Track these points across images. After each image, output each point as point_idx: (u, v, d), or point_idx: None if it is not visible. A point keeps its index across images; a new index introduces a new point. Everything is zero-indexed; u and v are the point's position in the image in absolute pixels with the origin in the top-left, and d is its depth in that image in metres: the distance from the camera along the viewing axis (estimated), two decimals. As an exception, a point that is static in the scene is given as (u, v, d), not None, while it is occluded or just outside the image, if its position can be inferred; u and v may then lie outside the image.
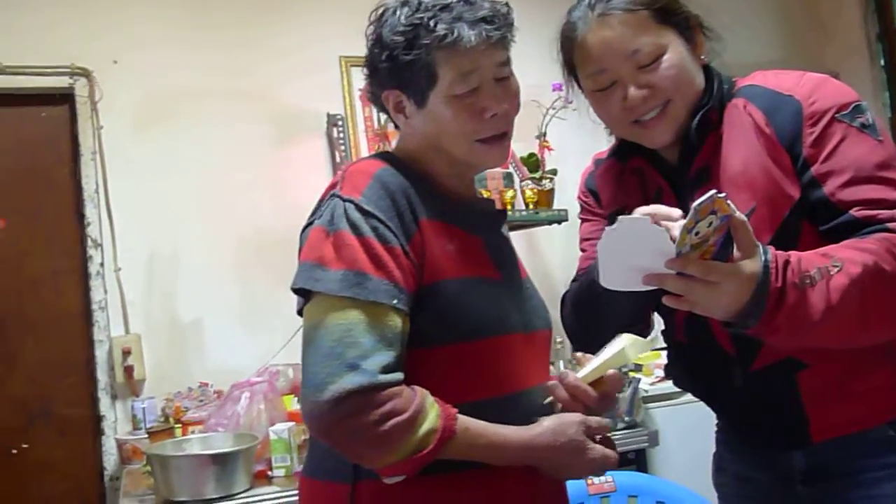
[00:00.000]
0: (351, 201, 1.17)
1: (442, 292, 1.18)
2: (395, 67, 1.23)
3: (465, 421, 1.14)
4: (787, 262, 1.13)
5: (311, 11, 3.23)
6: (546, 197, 3.20)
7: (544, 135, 3.22)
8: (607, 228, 1.14)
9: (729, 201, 1.09)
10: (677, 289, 1.12)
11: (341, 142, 3.18)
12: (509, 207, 3.09)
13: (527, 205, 3.19)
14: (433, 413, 1.11)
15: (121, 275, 2.94)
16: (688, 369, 1.50)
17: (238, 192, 3.07)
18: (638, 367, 3.06)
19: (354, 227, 1.15)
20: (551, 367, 2.95)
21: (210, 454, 2.20)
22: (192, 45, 3.07)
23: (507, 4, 1.28)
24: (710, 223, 1.09)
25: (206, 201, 3.04)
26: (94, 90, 2.96)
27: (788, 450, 1.37)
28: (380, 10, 1.28)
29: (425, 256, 1.18)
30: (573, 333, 1.49)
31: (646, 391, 2.89)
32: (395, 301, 1.12)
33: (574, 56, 1.37)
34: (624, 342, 1.22)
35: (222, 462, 2.17)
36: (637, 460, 2.73)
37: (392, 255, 1.14)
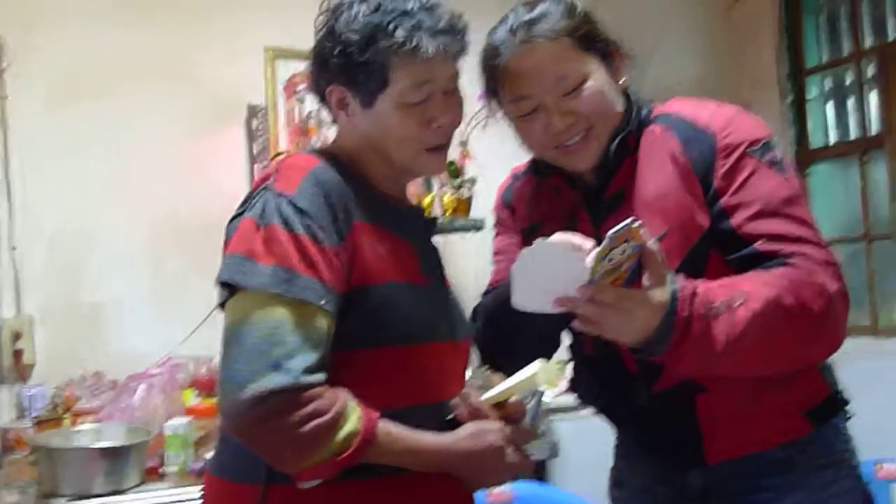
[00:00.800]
0: (284, 196, 1.14)
1: (371, 295, 1.16)
2: (347, 64, 1.21)
3: (385, 425, 1.12)
4: (694, 293, 1.18)
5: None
6: (464, 205, 3.21)
7: (466, 143, 3.22)
8: (523, 250, 1.17)
9: (643, 230, 1.12)
10: (590, 314, 1.16)
11: (261, 133, 3.12)
12: (426, 213, 3.08)
13: (444, 212, 3.19)
14: (354, 416, 1.09)
15: (16, 254, 2.80)
16: (593, 384, 1.52)
17: (152, 176, 2.97)
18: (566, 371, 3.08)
19: (287, 222, 1.12)
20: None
21: (99, 447, 2.11)
22: (117, 22, 2.95)
23: (460, 17, 1.27)
24: (624, 251, 1.12)
25: (118, 182, 2.92)
26: (2, 58, 2.81)
27: (686, 469, 1.41)
28: (334, 2, 1.25)
29: (356, 258, 1.16)
30: (484, 347, 1.48)
31: (548, 403, 2.92)
32: (322, 301, 1.10)
33: (496, 81, 1.38)
34: (535, 368, 1.22)
35: (112, 456, 2.08)
36: (536, 471, 2.75)
37: (323, 254, 1.12)
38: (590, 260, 1.13)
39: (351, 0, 1.23)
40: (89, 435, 2.23)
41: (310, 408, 1.06)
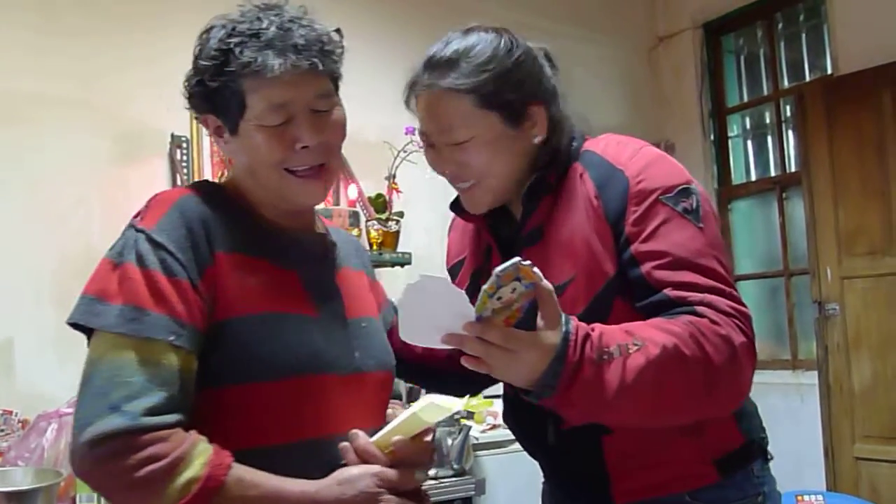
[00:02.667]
0: (143, 231, 1.11)
1: (234, 329, 1.12)
2: (206, 93, 1.19)
3: (239, 471, 1.06)
4: (587, 336, 1.15)
5: (164, 29, 3.10)
6: (391, 239, 3.19)
7: (394, 176, 3.22)
8: (408, 284, 1.14)
9: (535, 269, 1.10)
10: (476, 352, 1.13)
11: (184, 164, 3.05)
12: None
13: (371, 245, 3.17)
14: (199, 460, 1.04)
15: (-81, 287, 2.66)
16: (511, 420, 1.51)
17: (67, 208, 2.86)
18: (469, 415, 3.07)
19: (140, 259, 1.09)
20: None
21: (5, 491, 2.00)
22: (35, 47, 2.86)
23: (334, 32, 1.23)
24: (514, 289, 1.10)
25: (33, 214, 2.80)
26: None
27: None
28: (204, 30, 1.22)
29: (218, 291, 1.12)
30: (414, 382, 1.48)
31: (476, 438, 2.90)
32: (172, 337, 1.06)
33: (410, 106, 1.40)
34: (419, 405, 1.16)
35: (19, 500, 1.97)
36: (464, 508, 2.73)
37: (178, 288, 1.08)
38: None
39: (211, 26, 1.21)
40: (-5, 478, 2.11)
41: (147, 452, 1.01)
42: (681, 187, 1.28)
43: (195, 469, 1.03)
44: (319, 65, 1.18)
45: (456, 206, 1.46)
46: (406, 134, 2.97)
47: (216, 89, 1.17)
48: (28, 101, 2.83)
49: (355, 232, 3.09)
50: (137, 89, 3.02)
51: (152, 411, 1.03)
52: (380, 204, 3.22)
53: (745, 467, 1.36)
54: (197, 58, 1.20)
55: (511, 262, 1.07)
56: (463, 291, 1.12)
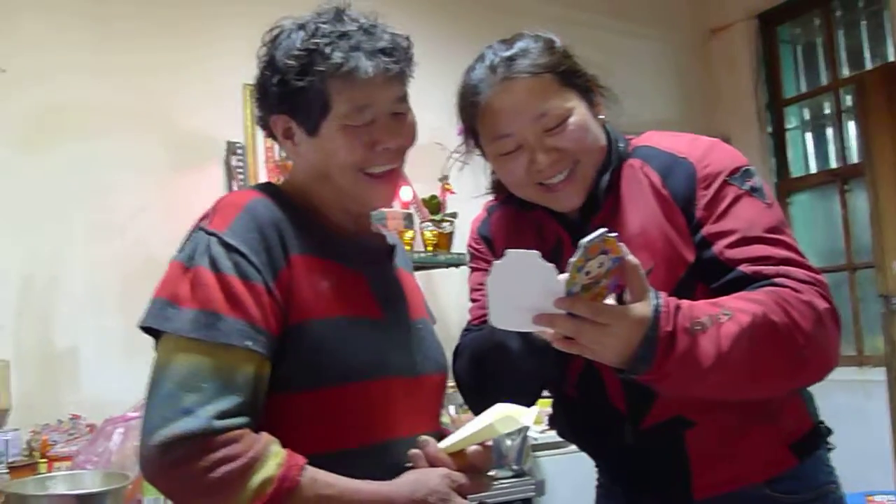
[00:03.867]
0: (215, 234, 1.11)
1: (309, 333, 1.12)
2: (287, 92, 1.18)
3: (312, 472, 1.06)
4: (678, 307, 1.14)
5: (217, 36, 3.16)
6: (445, 239, 3.20)
7: (447, 178, 3.22)
8: (495, 262, 1.11)
9: (621, 243, 1.08)
10: (567, 330, 1.11)
11: (240, 171, 3.10)
12: (408, 248, 3.06)
13: (426, 246, 3.17)
14: (274, 461, 1.04)
15: (-10, 297, 2.75)
16: (575, 423, 1.49)
17: (128, 218, 2.94)
18: (534, 414, 3.05)
19: (214, 263, 1.09)
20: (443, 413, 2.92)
21: (75, 494, 2.05)
22: (90, 59, 2.94)
23: (407, 38, 1.25)
24: (602, 263, 1.07)
25: (94, 225, 2.89)
26: (-23, 98, 2.79)
27: None
28: (274, 32, 1.23)
29: (293, 294, 1.12)
30: (466, 388, 1.44)
31: (535, 439, 2.88)
32: (248, 342, 1.06)
33: (476, 120, 1.34)
34: (493, 416, 1.16)
35: (88, 503, 2.02)
36: (523, 509, 2.71)
37: (252, 292, 1.08)
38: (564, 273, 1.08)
39: (290, 28, 1.21)
40: (65, 481, 2.16)
41: (220, 453, 1.01)
42: (744, 168, 1.31)
43: (270, 469, 1.03)
44: (405, 70, 1.22)
45: (521, 202, 1.43)
46: (459, 135, 2.96)
47: (300, 89, 1.17)
48: (85, 114, 2.91)
49: (409, 234, 3.11)
50: (191, 97, 3.09)
51: (224, 414, 1.03)
52: (433, 205, 3.23)
53: (816, 452, 1.36)
54: (273, 57, 1.20)
55: (598, 234, 1.04)
56: (554, 265, 1.08)
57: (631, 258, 1.11)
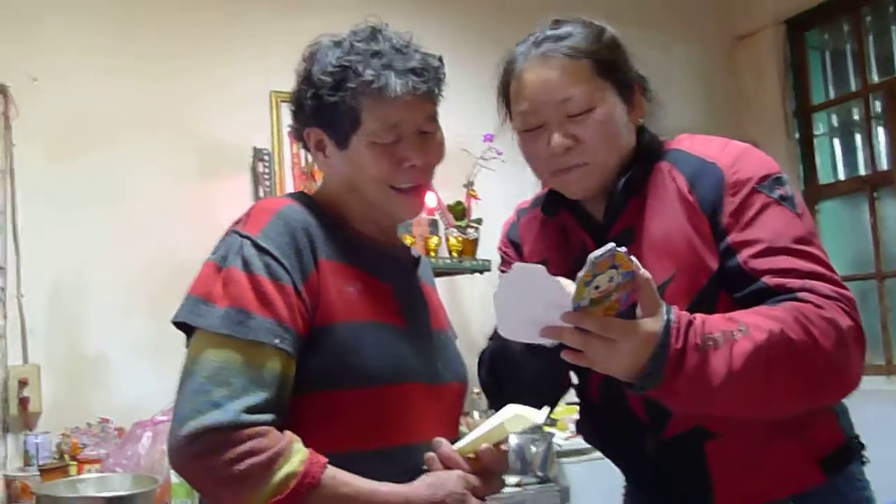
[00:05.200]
0: (248, 237, 1.15)
1: (334, 335, 1.15)
2: (320, 107, 1.23)
3: (333, 471, 1.09)
4: (689, 323, 1.12)
5: (244, 44, 3.19)
6: (470, 246, 3.21)
7: (472, 184, 3.23)
8: (502, 275, 1.12)
9: (632, 257, 1.07)
10: (574, 343, 1.10)
11: (266, 177, 3.12)
12: (433, 255, 3.07)
13: (450, 252, 3.18)
14: (297, 458, 1.07)
15: (23, 301, 2.79)
16: (599, 430, 1.48)
17: (155, 224, 2.97)
18: (552, 422, 3.05)
19: (246, 263, 1.12)
20: (467, 419, 2.93)
21: (105, 497, 2.08)
22: (118, 67, 2.98)
23: (439, 59, 1.28)
24: (612, 278, 1.06)
25: (121, 231, 2.92)
26: (10, 107, 2.84)
27: None
28: (313, 48, 1.28)
29: (320, 297, 1.16)
30: (489, 392, 1.45)
31: (559, 446, 2.88)
32: (276, 340, 1.10)
33: (510, 90, 1.36)
34: (504, 416, 1.18)
35: (118, 505, 2.05)
36: (548, 517, 2.71)
37: (282, 292, 1.12)
38: (572, 284, 1.07)
39: (327, 45, 1.26)
40: (95, 483, 2.19)
41: (246, 446, 1.04)
42: (774, 176, 1.28)
43: (293, 465, 1.06)
44: (435, 89, 1.25)
45: (547, 205, 1.44)
46: (484, 142, 2.98)
47: (332, 104, 1.21)
48: (112, 121, 2.96)
49: (434, 240, 3.12)
50: (218, 104, 3.12)
51: (252, 410, 1.06)
52: (458, 211, 3.24)
53: (847, 468, 1.32)
54: (310, 72, 1.25)
55: (607, 249, 1.04)
56: (559, 279, 1.09)
57: (643, 272, 1.09)
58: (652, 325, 1.10)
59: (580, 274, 1.05)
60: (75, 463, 2.50)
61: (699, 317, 1.14)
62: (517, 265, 1.10)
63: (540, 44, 1.32)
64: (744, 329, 1.12)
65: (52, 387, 2.78)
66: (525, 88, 1.32)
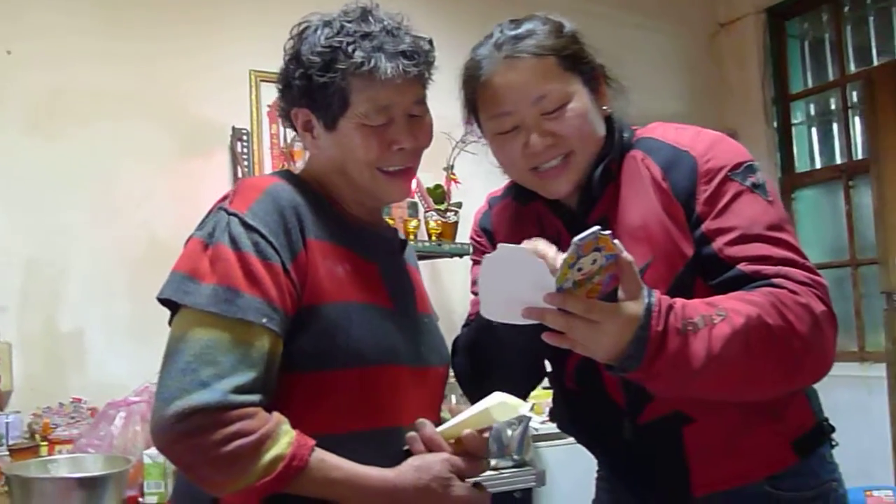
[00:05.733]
0: (236, 215, 1.13)
1: (323, 315, 1.14)
2: (309, 87, 1.22)
3: (321, 454, 1.08)
4: (670, 307, 1.13)
5: (225, 22, 3.15)
6: (450, 229, 3.20)
7: (452, 167, 3.22)
8: (486, 256, 1.12)
9: (616, 241, 1.08)
10: (557, 325, 1.11)
11: (245, 157, 3.09)
12: (412, 238, 3.06)
13: (430, 236, 3.17)
14: (285, 440, 1.06)
15: (-6, 280, 2.75)
16: (574, 416, 1.49)
17: (133, 202, 2.93)
18: (530, 406, 3.06)
19: (234, 241, 1.11)
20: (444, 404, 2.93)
21: (77, 477, 2.06)
22: (97, 44, 2.93)
23: (430, 41, 1.27)
24: (595, 260, 1.07)
25: (99, 208, 2.88)
26: (-17, 80, 2.79)
27: (670, 502, 1.37)
28: (302, 27, 1.26)
29: (308, 277, 1.14)
30: (463, 378, 1.45)
31: (536, 430, 2.89)
32: (265, 320, 1.08)
33: (477, 96, 1.35)
34: (490, 402, 1.18)
35: (90, 486, 2.03)
36: (524, 499, 2.72)
37: (270, 272, 1.10)
38: (557, 266, 1.08)
39: (316, 24, 1.24)
40: (66, 464, 2.18)
41: (234, 427, 1.03)
42: (747, 164, 1.29)
43: (281, 447, 1.05)
44: (425, 73, 1.25)
45: (520, 194, 1.44)
46: (465, 124, 2.96)
47: (322, 84, 1.20)
48: (91, 99, 2.90)
49: (414, 223, 3.11)
50: (197, 82, 3.08)
51: (240, 390, 1.05)
52: (438, 195, 3.23)
53: (818, 450, 1.35)
54: (298, 52, 1.23)
55: (591, 231, 1.04)
56: (543, 261, 1.09)
57: (626, 255, 1.10)
58: (634, 307, 1.11)
59: (564, 256, 1.06)
60: (46, 443, 2.47)
61: (679, 301, 1.15)
62: (502, 245, 1.10)
63: (502, 46, 1.31)
64: (723, 313, 1.14)
65: (23, 366, 2.74)
66: (495, 93, 1.31)
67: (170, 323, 1.14)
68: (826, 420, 1.39)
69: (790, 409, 1.33)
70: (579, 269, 1.07)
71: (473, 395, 1.35)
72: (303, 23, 1.26)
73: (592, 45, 1.38)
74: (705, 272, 1.26)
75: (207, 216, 1.18)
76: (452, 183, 3.25)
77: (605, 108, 1.38)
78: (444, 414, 1.36)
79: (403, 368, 1.22)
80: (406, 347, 1.23)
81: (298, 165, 3.02)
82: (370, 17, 1.23)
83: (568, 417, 1.51)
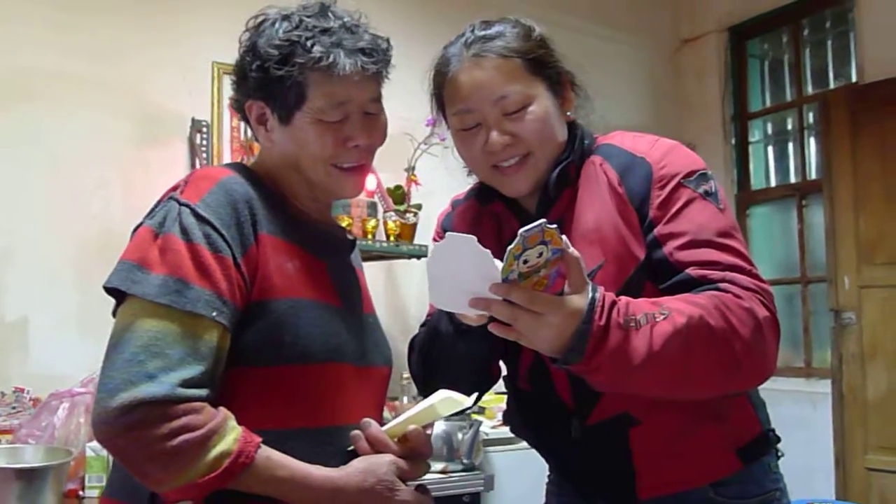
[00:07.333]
0: (187, 205, 1.11)
1: (272, 310, 1.13)
2: (265, 80, 1.21)
3: (267, 451, 1.07)
4: (613, 303, 1.15)
5: (188, 12, 3.11)
6: (408, 230, 3.19)
7: (413, 168, 3.21)
8: (434, 244, 1.14)
9: (563, 236, 1.10)
10: (502, 315, 1.13)
11: (203, 149, 3.05)
12: (370, 238, 3.05)
13: (388, 236, 3.16)
14: (231, 436, 1.04)
15: (-62, 264, 2.67)
16: (526, 417, 1.50)
17: (86, 189, 2.87)
18: (481, 410, 3.06)
19: (185, 232, 1.09)
20: (395, 404, 2.92)
21: (14, 468, 2.01)
22: (55, 24, 2.86)
23: (387, 40, 1.28)
24: (541, 253, 1.09)
25: (50, 194, 2.81)
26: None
27: None
28: (259, 19, 1.25)
29: (258, 272, 1.13)
30: (418, 379, 1.46)
31: (486, 434, 2.90)
32: (214, 313, 1.07)
33: (444, 91, 1.38)
34: (435, 398, 1.19)
35: (28, 478, 1.98)
36: (472, 503, 2.72)
37: (221, 265, 1.09)
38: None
39: (274, 17, 1.24)
40: (5, 454, 2.12)
41: (180, 421, 1.01)
42: (700, 172, 1.32)
43: (227, 443, 1.03)
44: (382, 71, 1.26)
45: (481, 194, 1.46)
46: (427, 126, 2.95)
47: (278, 78, 1.19)
48: (48, 79, 2.84)
49: (373, 222, 3.09)
50: (159, 71, 3.04)
51: (187, 383, 1.03)
52: (398, 196, 3.22)
53: (762, 458, 1.37)
54: (255, 44, 1.22)
55: (537, 224, 1.06)
56: (489, 251, 1.10)
57: (572, 251, 1.13)
58: (578, 301, 1.13)
59: (510, 247, 1.06)
60: (-14, 433, 2.41)
61: (624, 298, 1.18)
62: (449, 234, 1.11)
63: (471, 45, 1.34)
64: (666, 312, 1.16)
65: (-35, 353, 2.68)
66: (461, 89, 1.34)
67: (114, 313, 1.11)
68: (772, 430, 1.42)
69: (734, 416, 1.35)
70: (525, 262, 1.08)
71: (427, 395, 1.35)
72: (260, 15, 1.25)
73: (558, 54, 1.40)
74: (656, 275, 1.28)
75: (157, 205, 1.16)
76: (413, 184, 3.24)
77: (568, 113, 1.40)
78: (387, 415, 1.36)
79: (349, 367, 1.21)
80: (352, 346, 1.23)
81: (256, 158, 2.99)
82: (329, 13, 1.23)
83: (520, 419, 1.52)
